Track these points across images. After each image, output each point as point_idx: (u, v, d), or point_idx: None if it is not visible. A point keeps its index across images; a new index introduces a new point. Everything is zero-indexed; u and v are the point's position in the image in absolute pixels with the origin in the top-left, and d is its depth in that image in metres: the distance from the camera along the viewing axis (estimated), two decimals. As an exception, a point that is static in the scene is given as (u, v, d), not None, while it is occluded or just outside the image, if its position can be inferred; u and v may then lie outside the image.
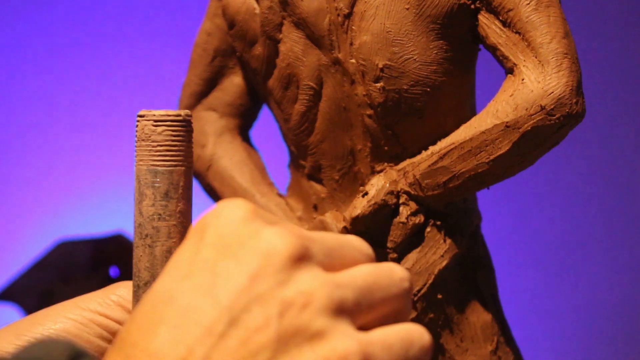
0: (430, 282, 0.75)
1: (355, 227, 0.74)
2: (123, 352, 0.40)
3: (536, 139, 0.69)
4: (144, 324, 0.41)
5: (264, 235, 0.42)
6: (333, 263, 0.43)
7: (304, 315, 0.40)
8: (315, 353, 0.40)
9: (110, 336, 0.55)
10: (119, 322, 0.55)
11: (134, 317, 0.42)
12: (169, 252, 0.52)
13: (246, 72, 0.82)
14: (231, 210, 0.43)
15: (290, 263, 0.41)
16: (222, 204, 0.43)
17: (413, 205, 0.74)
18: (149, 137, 0.52)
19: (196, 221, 0.44)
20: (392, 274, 0.44)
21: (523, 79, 0.69)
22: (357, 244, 0.45)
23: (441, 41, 0.73)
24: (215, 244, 0.42)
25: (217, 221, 0.42)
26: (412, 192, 0.74)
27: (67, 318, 0.54)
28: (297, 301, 0.40)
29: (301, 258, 0.41)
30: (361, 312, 0.42)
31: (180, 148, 0.52)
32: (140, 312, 0.42)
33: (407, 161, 0.75)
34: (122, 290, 0.57)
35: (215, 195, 0.83)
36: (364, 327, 0.43)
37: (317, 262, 0.42)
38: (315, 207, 0.79)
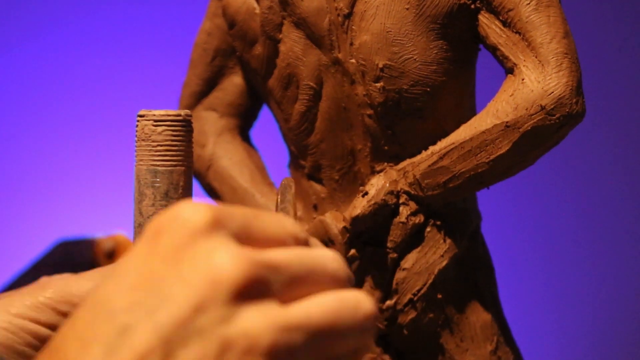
0: (430, 282, 0.75)
1: (355, 227, 0.74)
2: None
3: (536, 138, 0.69)
4: (79, 337, 0.38)
5: (217, 257, 0.38)
6: (295, 292, 0.39)
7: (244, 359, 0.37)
8: None
9: (40, 344, 0.52)
10: (50, 326, 0.52)
11: (73, 325, 0.39)
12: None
13: (246, 72, 0.82)
14: (190, 216, 0.38)
15: (237, 296, 0.37)
16: (181, 207, 0.39)
17: (413, 205, 0.74)
18: (149, 137, 0.52)
19: (152, 221, 0.40)
20: (357, 310, 0.40)
21: (523, 79, 0.69)
22: (332, 266, 0.41)
23: (441, 41, 0.73)
24: (167, 257, 0.38)
25: (173, 228, 0.38)
26: (412, 192, 0.74)
27: None
28: (238, 343, 0.37)
29: (251, 291, 0.37)
30: (314, 356, 0.39)
31: (180, 148, 0.53)
32: (79, 320, 0.38)
33: (407, 161, 0.75)
34: (50, 291, 0.53)
35: (215, 195, 0.83)
36: None
37: (273, 294, 0.38)
38: (315, 207, 0.79)
